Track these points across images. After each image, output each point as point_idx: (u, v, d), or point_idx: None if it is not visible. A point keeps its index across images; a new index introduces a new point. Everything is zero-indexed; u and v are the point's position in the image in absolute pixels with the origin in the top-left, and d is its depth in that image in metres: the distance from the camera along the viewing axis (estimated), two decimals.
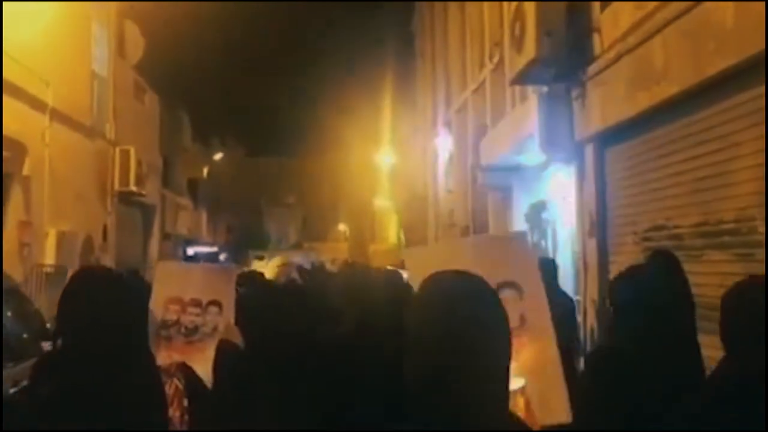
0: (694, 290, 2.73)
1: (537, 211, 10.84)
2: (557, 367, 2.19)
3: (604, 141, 7.67)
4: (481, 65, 14.46)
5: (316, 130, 49.63)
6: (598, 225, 7.78)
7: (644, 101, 6.29)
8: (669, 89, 5.81)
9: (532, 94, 8.85)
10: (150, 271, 18.68)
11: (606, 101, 7.21)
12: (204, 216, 31.14)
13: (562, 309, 4.55)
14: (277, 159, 51.70)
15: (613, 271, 7.21)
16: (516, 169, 11.06)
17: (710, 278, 5.06)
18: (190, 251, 28.78)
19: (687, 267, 5.75)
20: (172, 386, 2.54)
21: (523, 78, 8.64)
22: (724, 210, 5.36)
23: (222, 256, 34.34)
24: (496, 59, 12.39)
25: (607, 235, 7.71)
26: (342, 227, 49.56)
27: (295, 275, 7.86)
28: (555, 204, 10.14)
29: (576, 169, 8.40)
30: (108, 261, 14.96)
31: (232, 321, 3.24)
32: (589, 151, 7.92)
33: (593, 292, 7.86)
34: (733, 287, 1.96)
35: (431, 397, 1.33)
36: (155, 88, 19.71)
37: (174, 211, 22.44)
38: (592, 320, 7.89)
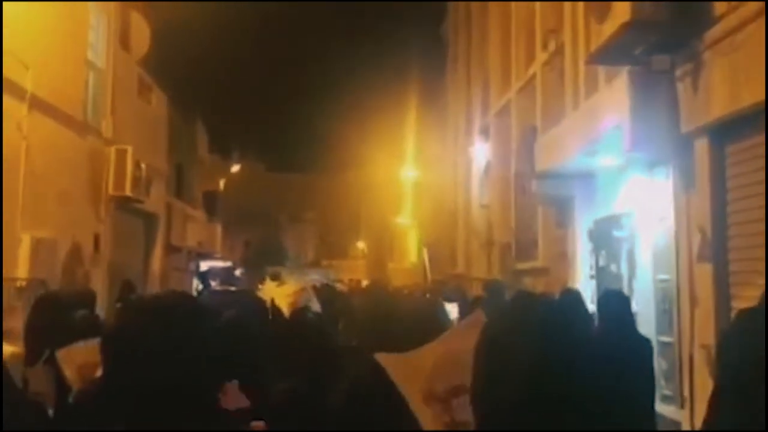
0: None
1: (605, 227, 8.84)
2: None
3: (726, 132, 5.70)
4: (529, 60, 12.56)
5: (339, 145, 48.64)
6: (714, 246, 5.80)
7: None
8: None
9: (620, 75, 6.87)
10: (150, 285, 17.02)
11: (737, 75, 5.25)
12: (219, 230, 29.57)
13: (632, 353, 4.48)
14: (298, 174, 50.73)
15: (737, 308, 5.24)
16: (583, 176, 9.06)
17: None
18: (204, 266, 27.42)
19: None
20: None
21: (605, 53, 6.69)
22: None
23: (238, 272, 32.89)
24: (552, 47, 10.47)
25: (728, 259, 5.72)
26: (361, 245, 48.00)
27: (312, 304, 6.14)
28: (632, 218, 8.16)
29: (677, 172, 6.44)
30: (100, 274, 13.17)
31: None
32: (702, 146, 5.95)
33: (705, 335, 5.84)
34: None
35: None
36: (166, 91, 18.01)
37: (182, 223, 20.63)
38: (702, 373, 5.89)
